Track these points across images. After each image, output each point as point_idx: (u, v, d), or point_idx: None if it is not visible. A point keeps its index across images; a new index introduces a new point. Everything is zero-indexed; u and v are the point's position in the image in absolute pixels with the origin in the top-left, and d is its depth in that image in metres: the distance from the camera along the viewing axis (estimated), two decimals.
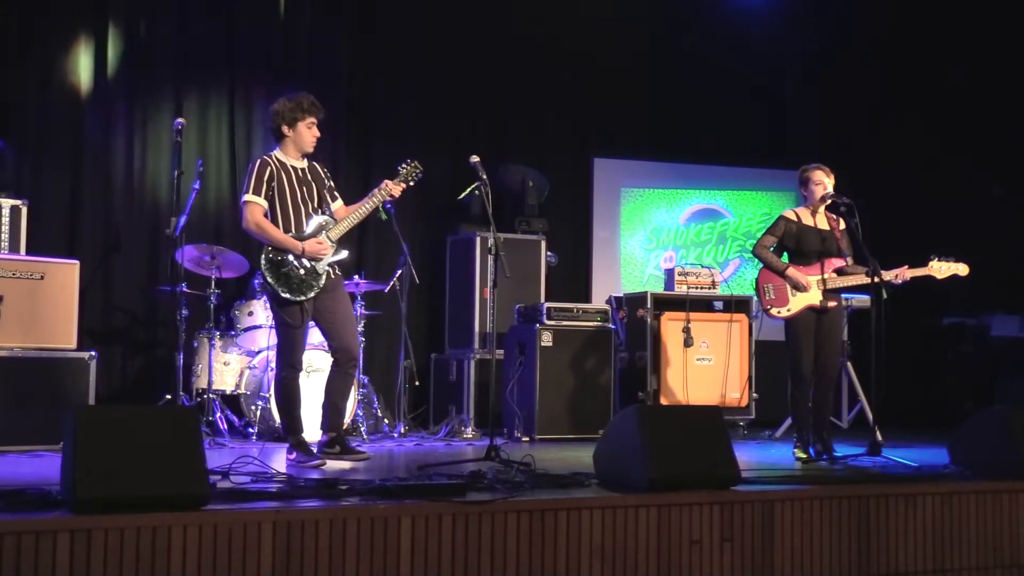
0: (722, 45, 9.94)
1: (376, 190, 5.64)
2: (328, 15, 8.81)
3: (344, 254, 5.67)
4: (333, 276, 5.60)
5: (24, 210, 6.73)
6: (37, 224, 7.05)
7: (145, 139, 8.16)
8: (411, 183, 5.74)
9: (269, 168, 5.48)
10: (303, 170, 5.61)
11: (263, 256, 5.47)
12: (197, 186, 6.34)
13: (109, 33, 8.09)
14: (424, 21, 9.14)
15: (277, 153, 5.58)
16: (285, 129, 5.55)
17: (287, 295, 5.42)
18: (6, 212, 6.63)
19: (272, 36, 8.64)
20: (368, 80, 8.91)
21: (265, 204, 5.46)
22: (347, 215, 5.63)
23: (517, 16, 9.37)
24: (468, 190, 5.85)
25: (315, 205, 5.59)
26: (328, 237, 5.53)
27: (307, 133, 5.55)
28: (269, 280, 5.42)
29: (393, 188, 5.60)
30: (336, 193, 5.74)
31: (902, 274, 6.06)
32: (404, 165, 5.73)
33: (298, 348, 5.54)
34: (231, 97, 8.48)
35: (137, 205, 8.11)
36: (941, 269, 6.14)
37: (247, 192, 5.45)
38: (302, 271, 5.45)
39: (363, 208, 5.63)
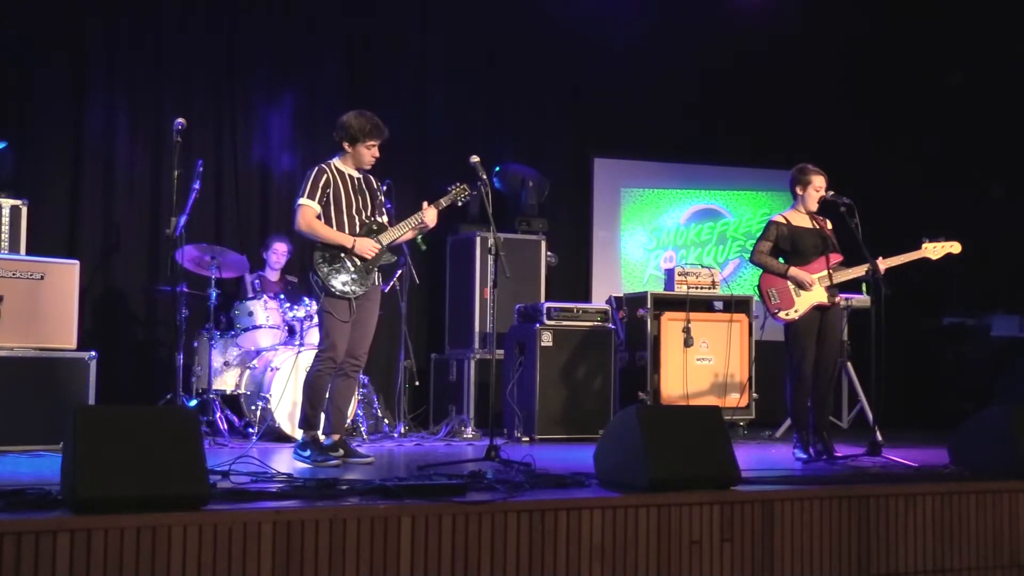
0: (722, 45, 9.94)
1: (413, 216, 5.72)
2: (328, 15, 8.82)
3: (392, 258, 5.82)
4: (377, 283, 5.74)
5: (24, 210, 6.73)
6: (37, 224, 7.05)
7: (145, 139, 8.17)
8: (459, 203, 5.94)
9: (326, 176, 5.61)
10: (359, 180, 5.74)
11: (315, 252, 5.59)
12: (197, 186, 6.34)
13: (110, 33, 8.10)
14: (424, 20, 9.15)
15: (336, 161, 5.71)
16: (346, 145, 5.67)
17: (337, 289, 5.52)
18: (6, 212, 6.63)
19: (272, 35, 8.65)
20: (368, 80, 8.92)
21: (318, 208, 5.58)
22: (395, 228, 5.74)
23: (517, 15, 9.38)
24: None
25: (369, 214, 5.71)
26: (379, 240, 5.63)
27: (367, 153, 5.67)
28: (321, 274, 5.53)
29: (427, 215, 5.68)
30: (384, 210, 5.86)
31: (885, 262, 6.07)
32: (452, 187, 5.87)
33: (340, 343, 5.58)
34: (231, 97, 8.49)
35: (137, 205, 8.12)
36: (935, 250, 6.19)
37: (302, 196, 5.59)
38: (353, 269, 5.57)
39: (405, 228, 5.73)
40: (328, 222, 5.60)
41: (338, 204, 5.61)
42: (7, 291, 6.04)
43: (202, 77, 8.39)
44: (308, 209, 5.58)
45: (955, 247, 6.23)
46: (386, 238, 5.68)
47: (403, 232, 5.74)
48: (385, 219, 5.83)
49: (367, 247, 5.59)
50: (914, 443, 7.04)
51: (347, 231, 5.61)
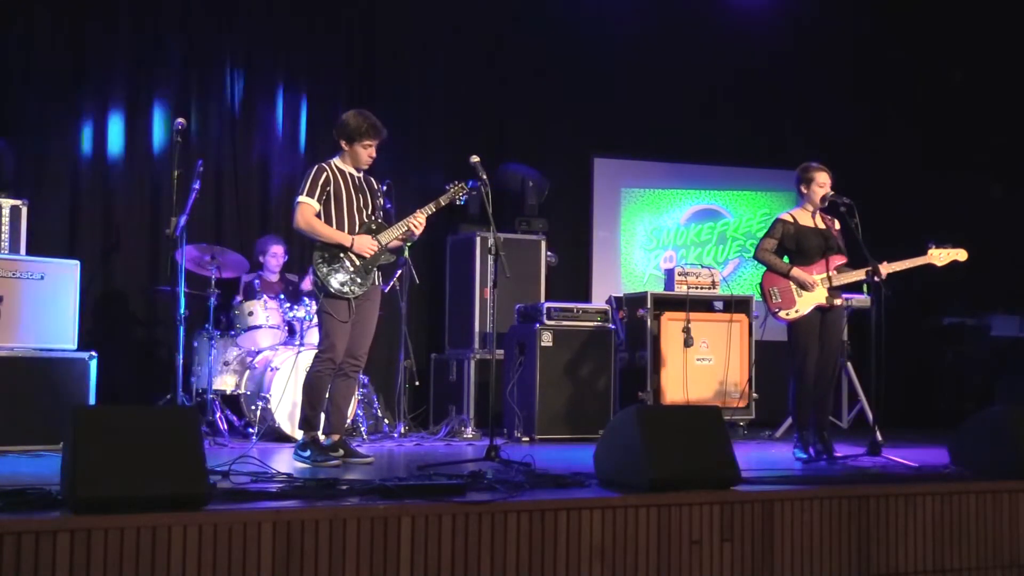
0: (723, 45, 9.94)
1: (405, 220, 5.71)
2: (328, 16, 8.82)
3: (392, 258, 5.81)
4: (377, 283, 5.74)
5: (24, 210, 6.73)
6: (37, 224, 7.05)
7: (145, 139, 8.16)
8: (458, 202, 5.91)
9: (325, 174, 5.62)
10: (359, 178, 5.75)
11: (315, 251, 5.59)
12: (197, 186, 6.34)
13: (110, 33, 8.10)
14: (424, 21, 9.15)
15: (336, 160, 5.72)
16: (343, 143, 5.69)
17: (335, 288, 5.52)
18: (6, 212, 6.64)
19: (273, 36, 8.65)
20: (368, 80, 8.92)
21: (317, 206, 5.59)
22: (393, 228, 5.73)
23: (517, 15, 9.37)
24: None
25: (369, 213, 5.72)
26: (377, 239, 5.62)
27: (363, 153, 5.67)
28: (320, 274, 5.53)
29: (414, 223, 5.66)
30: (382, 213, 5.86)
31: (891, 267, 6.06)
32: (451, 185, 5.86)
33: (339, 343, 5.58)
34: (231, 97, 8.49)
35: (137, 205, 8.11)
36: (940, 256, 6.17)
37: (302, 194, 5.60)
38: (352, 268, 5.57)
39: (399, 231, 5.70)
40: (328, 220, 5.60)
41: (338, 202, 5.61)
42: (7, 291, 6.04)
43: (202, 77, 8.39)
44: (307, 207, 5.58)
45: (961, 254, 6.20)
46: (385, 237, 5.68)
47: (397, 235, 5.72)
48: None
49: (365, 245, 5.59)
50: (914, 443, 7.04)
51: (347, 229, 5.61)
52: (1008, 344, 9.41)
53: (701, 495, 4.26)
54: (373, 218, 5.72)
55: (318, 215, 5.59)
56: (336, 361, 5.60)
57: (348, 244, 5.57)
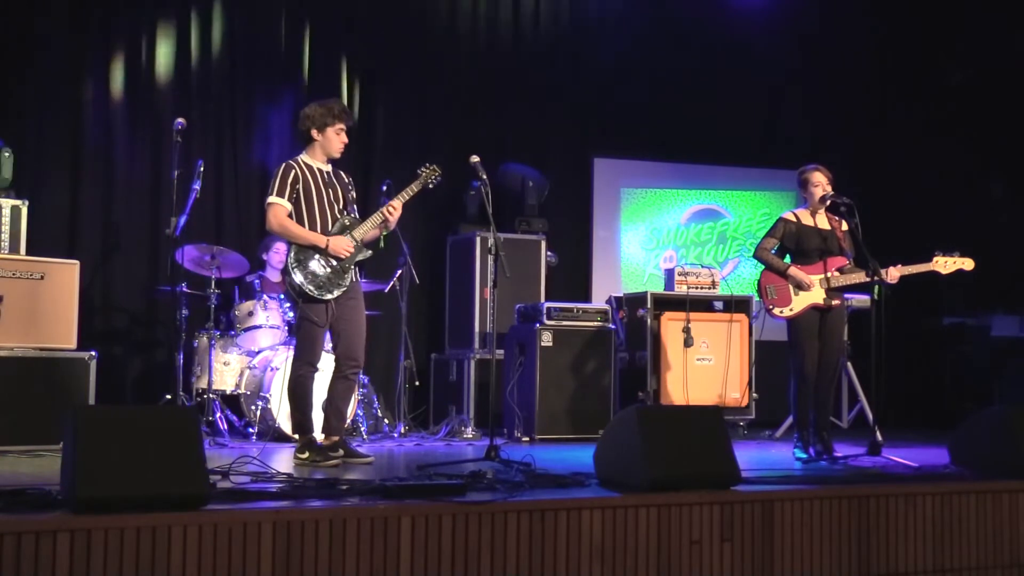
0: (722, 45, 9.94)
1: (378, 212, 5.64)
2: (328, 17, 8.82)
3: (368, 253, 5.69)
4: (356, 280, 5.64)
5: (24, 210, 6.72)
6: (37, 224, 7.05)
7: (145, 139, 8.16)
8: (430, 186, 5.82)
9: (294, 171, 5.52)
10: (328, 173, 5.65)
11: (290, 255, 5.50)
12: (197, 186, 6.34)
13: (109, 33, 8.10)
14: (424, 20, 9.15)
15: (303, 157, 5.62)
16: (314, 133, 5.57)
17: (314, 292, 5.44)
18: (6, 212, 6.62)
19: (273, 37, 8.65)
20: (367, 79, 8.92)
21: (289, 206, 5.50)
22: (368, 221, 5.66)
23: (517, 15, 9.37)
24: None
25: (341, 207, 5.63)
26: (353, 236, 5.56)
27: (336, 139, 5.59)
28: (296, 278, 5.44)
29: (389, 212, 5.60)
30: (355, 206, 5.75)
31: (892, 273, 6.04)
32: (423, 168, 5.78)
33: (318, 346, 5.56)
34: (231, 97, 8.49)
35: (137, 205, 8.11)
36: (946, 264, 6.16)
37: (271, 194, 5.50)
38: (328, 270, 5.48)
39: (373, 222, 5.64)
40: (300, 219, 5.50)
41: (308, 199, 5.52)
42: (7, 291, 6.04)
43: (202, 77, 8.39)
44: (279, 208, 5.48)
45: (967, 263, 6.17)
46: (359, 233, 5.59)
47: (373, 228, 5.65)
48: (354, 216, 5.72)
49: (341, 246, 5.49)
50: (914, 443, 7.04)
51: (320, 227, 5.52)
52: (1008, 344, 9.41)
53: (701, 495, 4.26)
54: (345, 212, 5.62)
55: (290, 215, 5.50)
56: (315, 364, 5.56)
57: (323, 245, 5.47)
